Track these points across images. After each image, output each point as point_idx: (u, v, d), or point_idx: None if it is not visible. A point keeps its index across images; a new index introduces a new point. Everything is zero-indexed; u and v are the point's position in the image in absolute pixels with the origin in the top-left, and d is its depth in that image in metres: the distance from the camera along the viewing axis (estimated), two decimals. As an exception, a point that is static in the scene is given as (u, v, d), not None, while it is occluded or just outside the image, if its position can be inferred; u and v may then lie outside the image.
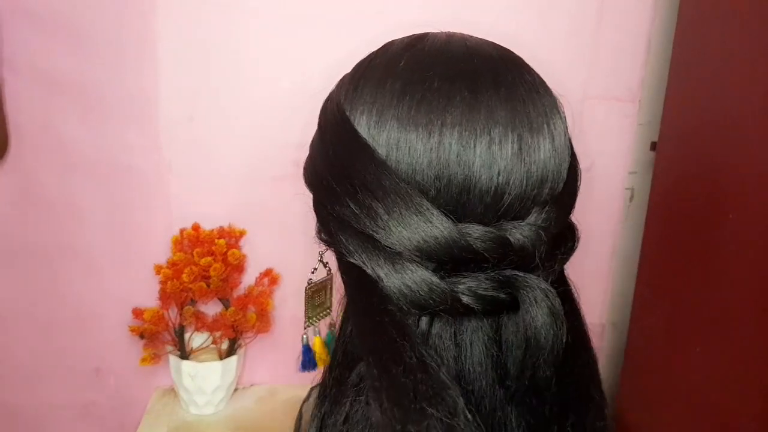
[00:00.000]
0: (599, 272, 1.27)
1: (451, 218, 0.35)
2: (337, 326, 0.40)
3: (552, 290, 0.35)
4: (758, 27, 0.88)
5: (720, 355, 0.94)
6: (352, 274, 0.37)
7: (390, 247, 0.35)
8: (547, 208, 0.38)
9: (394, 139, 0.36)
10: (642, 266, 1.19)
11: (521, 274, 0.36)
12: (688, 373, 1.01)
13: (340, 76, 0.45)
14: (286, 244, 1.15)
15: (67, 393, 1.18)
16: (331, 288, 0.59)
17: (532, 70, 0.41)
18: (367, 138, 0.37)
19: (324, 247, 0.45)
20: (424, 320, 0.37)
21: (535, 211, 0.37)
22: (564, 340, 0.35)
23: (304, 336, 0.54)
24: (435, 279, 0.35)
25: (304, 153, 0.45)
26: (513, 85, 0.37)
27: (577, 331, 0.38)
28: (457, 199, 0.36)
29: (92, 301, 1.14)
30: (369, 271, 0.36)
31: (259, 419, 1.12)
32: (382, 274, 0.35)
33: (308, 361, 0.55)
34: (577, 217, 0.42)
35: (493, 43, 0.42)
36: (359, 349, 0.36)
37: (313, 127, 0.45)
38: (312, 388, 0.61)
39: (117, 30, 1.04)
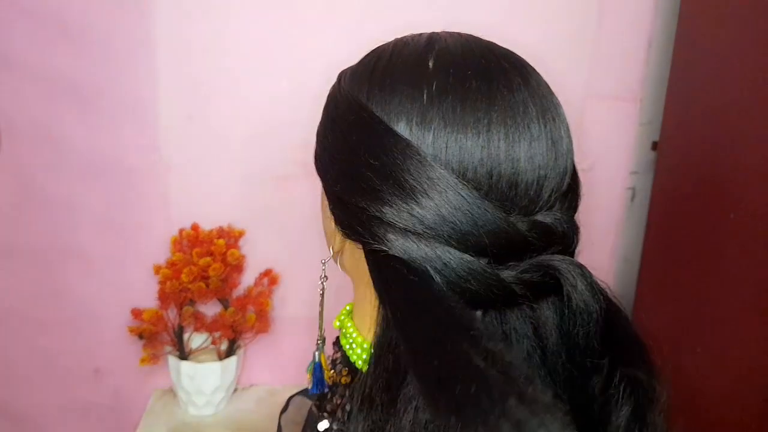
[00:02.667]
0: (600, 272, 1.25)
1: (502, 211, 0.37)
2: (374, 331, 0.39)
3: (584, 266, 0.38)
4: (759, 27, 0.88)
5: (721, 356, 0.94)
6: (395, 272, 0.37)
7: (443, 242, 0.36)
8: (569, 197, 0.41)
9: (443, 139, 0.37)
10: (643, 266, 1.19)
11: (555, 256, 0.37)
12: (688, 373, 1.01)
13: (339, 74, 0.44)
14: (285, 244, 1.14)
15: (66, 393, 1.18)
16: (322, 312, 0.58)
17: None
18: (410, 138, 0.37)
19: (328, 257, 0.44)
20: (477, 314, 0.38)
21: (560, 200, 0.40)
22: (604, 311, 0.38)
23: (316, 353, 0.52)
24: (489, 269, 0.36)
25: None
26: (536, 83, 0.40)
27: (610, 305, 0.40)
28: (507, 193, 0.37)
29: (91, 301, 1.14)
30: (419, 267, 0.36)
31: (258, 420, 1.12)
32: (434, 271, 0.36)
33: (321, 380, 0.52)
34: (579, 216, 0.43)
35: (497, 44, 0.43)
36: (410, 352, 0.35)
37: (313, 128, 0.45)
38: (290, 398, 0.60)
39: (116, 29, 1.04)
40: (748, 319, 0.87)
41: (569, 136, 0.40)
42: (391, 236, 0.37)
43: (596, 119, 1.18)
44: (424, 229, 0.36)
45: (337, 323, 0.49)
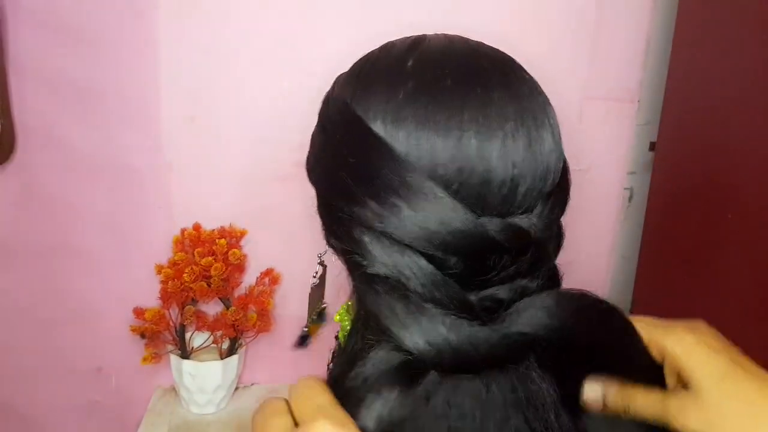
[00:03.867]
0: (598, 272, 1.28)
1: (472, 211, 0.37)
2: (353, 317, 0.41)
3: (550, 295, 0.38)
4: (757, 27, 0.88)
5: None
6: (368, 278, 0.38)
7: (411, 244, 0.36)
8: (551, 200, 0.40)
9: (414, 137, 0.37)
10: (641, 266, 1.19)
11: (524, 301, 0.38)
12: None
13: (335, 80, 0.45)
14: (286, 243, 1.15)
15: (68, 392, 1.19)
16: (324, 288, 0.59)
17: (525, 69, 0.43)
18: (384, 137, 0.38)
19: (324, 250, 0.45)
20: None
21: (540, 203, 0.39)
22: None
23: (305, 328, 0.55)
24: (453, 286, 0.36)
25: (305, 153, 0.46)
26: (517, 82, 0.40)
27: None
28: (478, 191, 0.37)
29: (93, 300, 1.15)
30: (393, 273, 0.37)
31: (259, 418, 1.12)
32: (405, 273, 0.37)
33: (305, 338, 0.56)
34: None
35: (487, 44, 0.43)
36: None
37: (312, 128, 0.45)
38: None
39: (118, 31, 1.04)
40: (746, 319, 0.88)
41: (554, 137, 0.40)
42: (366, 238, 0.37)
43: (594, 120, 1.19)
44: (394, 230, 0.36)
45: (337, 318, 0.50)
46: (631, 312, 1.21)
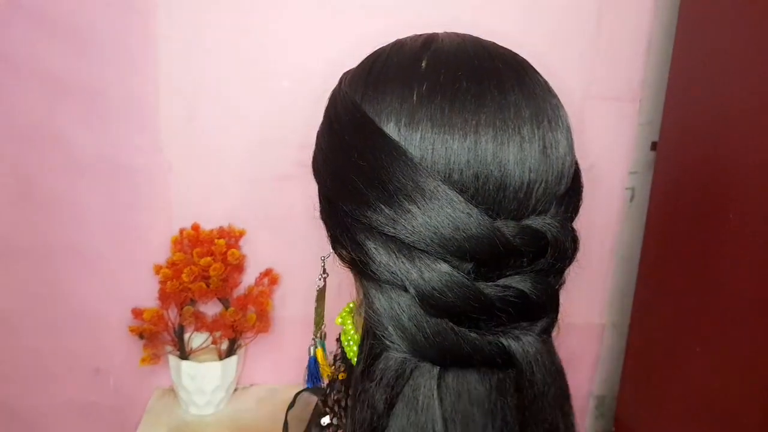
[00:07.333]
0: (599, 272, 1.27)
1: (488, 216, 0.36)
2: (361, 325, 0.40)
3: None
4: (759, 27, 0.88)
5: (720, 355, 0.94)
6: (374, 285, 0.37)
7: (425, 250, 0.36)
8: (565, 201, 0.39)
9: (429, 140, 0.36)
10: (642, 266, 1.19)
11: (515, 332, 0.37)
12: (688, 373, 1.01)
13: (341, 76, 0.44)
14: (285, 244, 1.15)
15: (67, 393, 1.18)
16: (324, 295, 0.58)
17: (537, 71, 0.42)
18: (397, 140, 0.37)
19: (328, 253, 0.44)
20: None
21: (555, 205, 0.39)
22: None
23: (311, 348, 0.53)
24: (468, 283, 0.35)
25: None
26: (531, 84, 0.39)
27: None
28: (494, 196, 0.36)
29: (92, 301, 1.14)
30: (399, 280, 0.36)
31: (259, 419, 1.12)
32: (409, 283, 0.36)
33: (316, 374, 0.54)
34: (578, 217, 0.42)
35: (498, 44, 0.42)
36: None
37: (313, 128, 0.45)
38: (297, 395, 0.61)
39: (117, 30, 1.04)
40: (748, 318, 0.88)
41: (568, 139, 0.39)
42: (370, 244, 0.36)
43: (596, 119, 1.18)
44: (407, 235, 0.35)
45: (339, 320, 0.49)
46: (632, 312, 1.21)
